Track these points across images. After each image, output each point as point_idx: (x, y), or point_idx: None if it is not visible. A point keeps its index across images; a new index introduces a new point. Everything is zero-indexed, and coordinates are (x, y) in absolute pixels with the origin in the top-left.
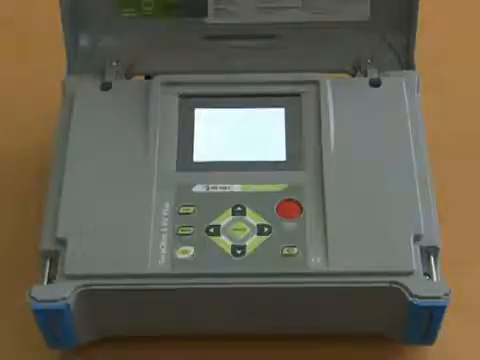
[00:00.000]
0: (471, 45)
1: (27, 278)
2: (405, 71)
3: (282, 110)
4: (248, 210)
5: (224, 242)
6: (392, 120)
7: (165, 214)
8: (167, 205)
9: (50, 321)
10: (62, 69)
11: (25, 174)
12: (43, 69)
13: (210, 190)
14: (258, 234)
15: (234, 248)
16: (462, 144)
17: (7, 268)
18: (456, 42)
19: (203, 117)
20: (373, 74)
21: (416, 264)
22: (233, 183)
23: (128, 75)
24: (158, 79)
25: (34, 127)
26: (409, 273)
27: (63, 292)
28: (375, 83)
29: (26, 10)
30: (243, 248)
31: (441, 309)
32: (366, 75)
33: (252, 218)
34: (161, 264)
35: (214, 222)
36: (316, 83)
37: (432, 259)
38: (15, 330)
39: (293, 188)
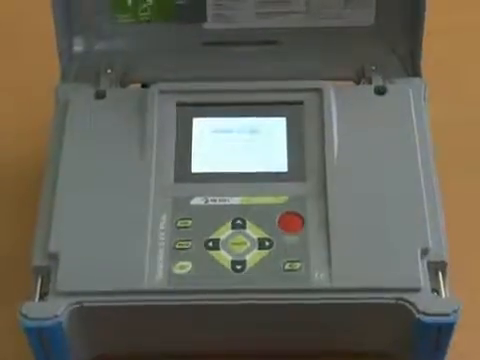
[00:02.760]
0: None
1: (22, 293)
2: (411, 78)
3: (284, 119)
4: (248, 223)
5: (223, 257)
6: (398, 129)
7: (162, 227)
8: (164, 218)
9: (42, 340)
10: (56, 76)
11: (21, 184)
12: (36, 76)
13: (209, 202)
14: (259, 248)
15: (234, 263)
16: (470, 155)
17: (1, 281)
18: (464, 49)
19: (201, 126)
20: (378, 81)
21: (423, 280)
22: (233, 195)
23: (123, 83)
24: (155, 87)
25: (30, 135)
26: (416, 289)
27: (55, 309)
28: (380, 91)
29: (18, 15)
30: (243, 263)
31: (450, 326)
32: (371, 83)
33: (252, 232)
34: (158, 280)
35: (213, 236)
36: (319, 91)
37: (440, 274)
38: (5, 348)
39: (295, 200)
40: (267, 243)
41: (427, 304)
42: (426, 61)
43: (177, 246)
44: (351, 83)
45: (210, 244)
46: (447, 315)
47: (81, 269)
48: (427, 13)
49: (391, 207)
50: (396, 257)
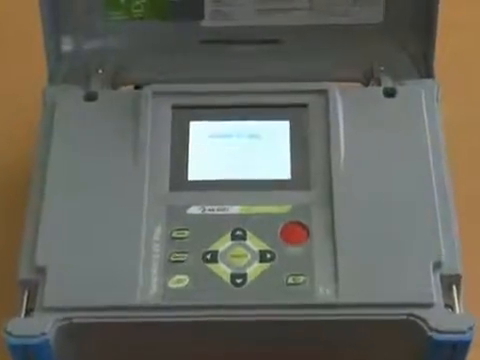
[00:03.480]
0: None
1: (7, 308)
2: (423, 80)
3: (287, 123)
4: (249, 234)
5: (222, 270)
6: (409, 134)
7: (156, 239)
8: (159, 229)
9: (28, 358)
10: (44, 78)
11: (7, 193)
12: (23, 78)
13: (206, 212)
14: (260, 261)
15: (234, 277)
16: None
17: None
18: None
19: (199, 131)
20: (387, 83)
21: (436, 294)
22: (232, 204)
23: (115, 84)
24: (149, 89)
25: (16, 141)
26: (428, 305)
27: (42, 326)
28: (390, 93)
29: (3, 13)
30: (244, 277)
31: (465, 344)
32: (380, 84)
33: (253, 243)
34: (152, 295)
35: (211, 248)
36: (324, 93)
37: (454, 288)
38: None
39: (299, 210)
40: (269, 255)
41: (440, 320)
42: (439, 59)
43: (173, 258)
44: (358, 85)
45: (208, 256)
46: (462, 332)
47: (70, 283)
48: (440, 8)
49: (401, 217)
50: (407, 270)
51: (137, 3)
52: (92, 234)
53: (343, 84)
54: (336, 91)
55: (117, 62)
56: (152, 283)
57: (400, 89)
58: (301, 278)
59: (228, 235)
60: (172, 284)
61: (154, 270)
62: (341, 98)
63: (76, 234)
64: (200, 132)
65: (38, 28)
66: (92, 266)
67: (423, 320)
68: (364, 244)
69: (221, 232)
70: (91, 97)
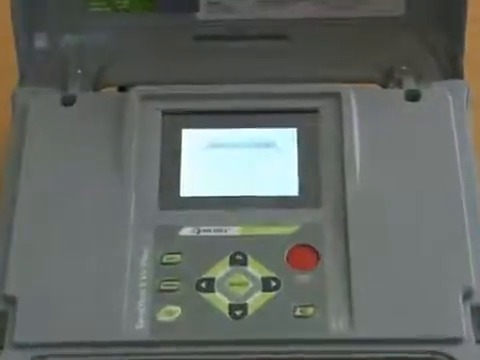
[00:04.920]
0: None
1: None
2: (451, 81)
3: (294, 130)
4: (250, 259)
5: (220, 300)
6: (434, 143)
7: (144, 264)
8: (146, 253)
9: None
10: (14, 77)
11: None
12: None
13: (201, 233)
14: (263, 290)
15: (232, 308)
16: None
17: None
18: None
19: (193, 140)
20: (410, 84)
21: (466, 328)
22: (231, 225)
23: (96, 86)
24: (135, 92)
25: None
26: (457, 340)
27: None
28: (413, 96)
29: None
30: (244, 308)
31: None
32: (401, 86)
33: (255, 269)
34: (139, 329)
35: (207, 274)
36: (337, 96)
37: None
38: None
39: (308, 231)
40: (273, 283)
41: (471, 358)
42: (469, 57)
43: (162, 287)
44: (376, 86)
45: (203, 285)
46: None
47: (45, 315)
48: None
49: (425, 239)
50: (432, 301)
51: None
52: (70, 260)
53: (359, 86)
54: (350, 94)
55: (98, 61)
56: (139, 315)
57: (424, 92)
58: (310, 309)
59: (226, 260)
60: (162, 316)
61: (141, 300)
62: (356, 102)
63: (51, 259)
64: (194, 141)
65: (7, 21)
66: (70, 296)
67: (451, 358)
68: (382, 270)
69: (218, 257)
70: (68, 101)
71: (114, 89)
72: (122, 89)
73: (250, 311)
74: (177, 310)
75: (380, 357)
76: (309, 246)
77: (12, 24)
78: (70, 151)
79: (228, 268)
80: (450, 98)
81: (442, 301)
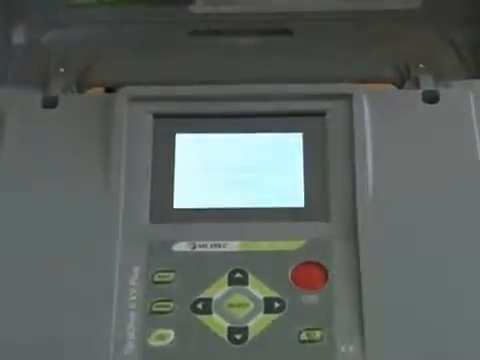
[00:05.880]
0: None
1: None
2: (473, 80)
3: (299, 135)
4: (251, 278)
5: (217, 323)
6: (455, 150)
7: (133, 283)
8: (137, 270)
9: None
10: None
11: None
12: None
13: (197, 249)
14: (266, 312)
15: (232, 331)
16: None
17: None
18: None
19: (187, 146)
20: (428, 84)
21: None
22: (229, 239)
23: (81, 86)
24: (124, 93)
25: None
26: None
27: None
28: (431, 97)
29: None
30: (244, 331)
31: None
32: (418, 86)
33: (257, 289)
34: (128, 354)
35: (203, 295)
36: (347, 98)
37: None
38: None
39: (315, 246)
40: (277, 304)
41: None
42: None
43: (154, 309)
44: (391, 86)
45: (199, 306)
46: None
47: (20, 339)
48: None
49: (446, 255)
50: (452, 323)
51: None
52: (51, 278)
53: (371, 86)
54: (362, 95)
55: (83, 59)
56: (128, 340)
57: (444, 92)
58: (318, 333)
59: (224, 279)
60: (153, 341)
61: (130, 323)
62: (368, 104)
63: (30, 277)
64: (189, 148)
65: None
66: (51, 321)
67: None
68: (397, 291)
69: (216, 275)
70: (50, 103)
71: (101, 90)
72: (109, 90)
73: (251, 335)
74: (170, 334)
75: None
76: (316, 263)
77: None
78: (52, 159)
79: (227, 288)
80: (472, 99)
81: (464, 323)
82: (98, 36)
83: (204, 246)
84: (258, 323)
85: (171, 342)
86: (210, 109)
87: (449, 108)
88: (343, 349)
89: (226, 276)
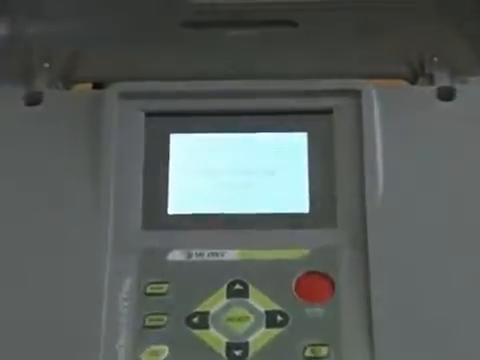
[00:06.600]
0: None
1: None
2: None
3: (304, 135)
4: (252, 289)
5: (215, 338)
6: (473, 150)
7: (125, 295)
8: (128, 282)
9: None
10: None
11: None
12: None
13: (193, 258)
14: (267, 326)
15: (231, 347)
16: None
17: None
18: None
19: (182, 147)
20: (443, 80)
21: None
22: (228, 248)
23: (67, 82)
24: (114, 89)
25: None
26: None
27: None
28: (446, 94)
29: None
30: (244, 347)
31: None
32: (432, 82)
33: (258, 302)
34: None
35: (200, 308)
36: (355, 94)
37: None
38: None
39: (320, 256)
40: (279, 318)
41: None
42: None
43: (147, 323)
44: (403, 82)
45: (195, 320)
46: None
47: (10, 357)
48: None
49: (459, 265)
50: (467, 338)
51: None
52: (36, 290)
53: (382, 82)
54: (372, 91)
55: (69, 52)
56: (118, 356)
57: (460, 89)
58: (324, 349)
59: (223, 290)
60: (146, 357)
61: (121, 339)
62: (379, 101)
63: (14, 290)
64: (184, 149)
65: None
66: (37, 333)
67: None
68: (408, 303)
69: (213, 286)
70: (34, 99)
71: (88, 86)
72: (98, 86)
73: (252, 351)
74: (164, 350)
75: None
76: (322, 274)
77: None
78: (36, 159)
79: (225, 300)
80: None
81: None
82: (84, 28)
83: (201, 255)
84: (259, 338)
85: (165, 359)
86: (207, 107)
87: (466, 106)
88: None
89: (224, 288)
